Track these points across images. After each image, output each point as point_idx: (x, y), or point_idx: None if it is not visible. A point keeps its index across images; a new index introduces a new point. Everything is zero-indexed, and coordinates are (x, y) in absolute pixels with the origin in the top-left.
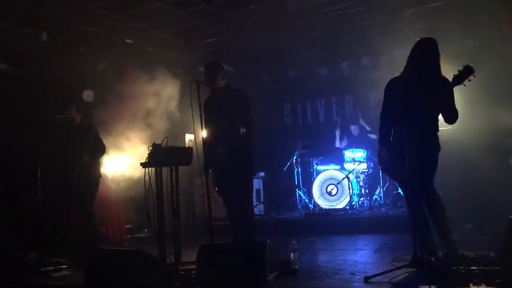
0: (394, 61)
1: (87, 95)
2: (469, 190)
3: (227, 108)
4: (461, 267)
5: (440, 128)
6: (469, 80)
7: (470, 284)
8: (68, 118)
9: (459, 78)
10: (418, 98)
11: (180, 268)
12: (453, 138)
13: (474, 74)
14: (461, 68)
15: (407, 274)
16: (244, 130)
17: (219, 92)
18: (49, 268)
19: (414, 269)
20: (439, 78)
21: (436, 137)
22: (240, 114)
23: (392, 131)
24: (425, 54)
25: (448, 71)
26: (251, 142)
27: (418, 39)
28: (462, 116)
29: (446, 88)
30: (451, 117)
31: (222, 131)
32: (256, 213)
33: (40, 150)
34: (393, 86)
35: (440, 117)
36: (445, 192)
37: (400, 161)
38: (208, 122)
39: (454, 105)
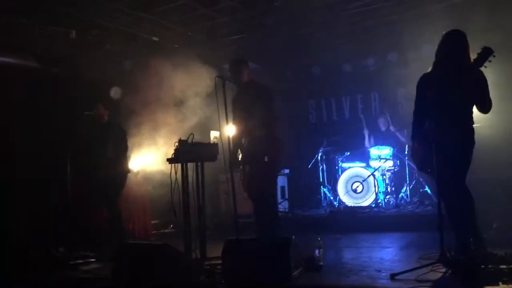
0: (422, 57)
1: (114, 92)
2: (500, 187)
3: (251, 103)
4: (490, 266)
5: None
6: (490, 61)
7: (499, 283)
8: (95, 116)
9: (479, 61)
10: (448, 92)
11: (206, 263)
12: (483, 134)
13: (494, 54)
14: (479, 51)
15: (434, 272)
16: (267, 125)
17: (244, 88)
18: (77, 261)
19: (441, 267)
20: (468, 70)
21: (469, 132)
22: (263, 108)
23: (426, 125)
24: (450, 47)
25: None
26: (276, 136)
27: (444, 32)
28: (493, 111)
29: (476, 76)
30: (483, 106)
31: (247, 128)
32: (280, 210)
33: (69, 147)
34: (424, 82)
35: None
36: (474, 189)
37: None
38: (235, 120)
39: (487, 93)
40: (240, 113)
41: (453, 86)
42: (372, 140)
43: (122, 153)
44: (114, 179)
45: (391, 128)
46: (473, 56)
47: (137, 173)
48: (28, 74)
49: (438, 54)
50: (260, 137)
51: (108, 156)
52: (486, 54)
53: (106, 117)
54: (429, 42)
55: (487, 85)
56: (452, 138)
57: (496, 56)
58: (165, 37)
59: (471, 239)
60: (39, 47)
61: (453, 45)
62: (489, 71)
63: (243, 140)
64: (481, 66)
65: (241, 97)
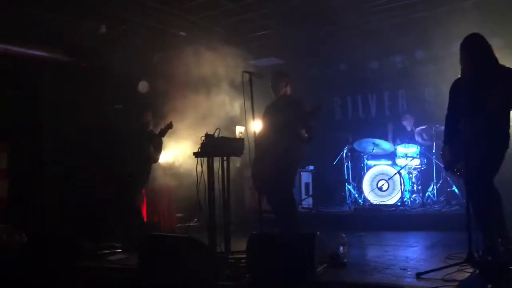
0: (451, 55)
1: (142, 86)
2: None
3: (282, 116)
4: None
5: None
6: None
7: None
8: (143, 122)
9: None
10: (477, 96)
11: (230, 257)
12: None
13: None
14: None
15: (461, 272)
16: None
17: (280, 100)
18: (104, 252)
19: (469, 268)
20: (496, 69)
21: (503, 135)
22: (289, 119)
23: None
24: (473, 52)
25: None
26: (297, 152)
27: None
28: None
29: (507, 79)
30: None
31: (272, 138)
32: (304, 206)
33: (98, 140)
34: (456, 88)
35: None
36: (503, 190)
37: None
38: (263, 126)
39: None
40: (269, 122)
41: (483, 90)
42: (398, 140)
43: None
44: (142, 171)
45: (424, 137)
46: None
47: (164, 166)
48: (58, 68)
49: (464, 61)
50: (282, 149)
51: (147, 156)
52: None
53: (151, 126)
54: (459, 39)
55: None
56: (485, 140)
57: None
58: (192, 32)
59: (499, 240)
60: (70, 41)
61: (475, 49)
62: None
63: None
64: None
65: (275, 107)
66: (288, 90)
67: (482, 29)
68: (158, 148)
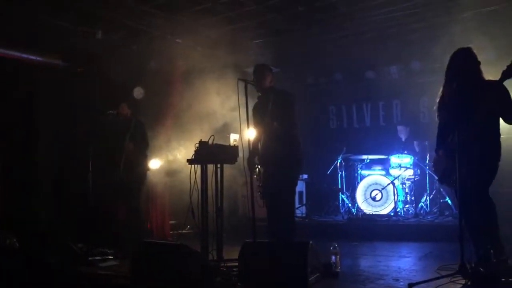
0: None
1: (137, 92)
2: None
3: (270, 108)
4: (510, 279)
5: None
6: None
7: None
8: (119, 115)
9: (509, 72)
10: (465, 108)
11: (222, 264)
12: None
13: None
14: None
15: (453, 283)
16: (286, 130)
17: (264, 94)
18: (96, 258)
19: (460, 279)
20: (481, 83)
21: (493, 145)
22: (283, 114)
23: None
24: (460, 65)
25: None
26: (296, 143)
27: (453, 53)
28: None
29: (494, 90)
30: (508, 117)
31: (265, 132)
32: (298, 215)
33: (92, 145)
34: (441, 102)
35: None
36: (497, 201)
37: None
38: (255, 125)
39: (510, 104)
40: (259, 118)
41: (473, 103)
42: (392, 149)
43: (141, 149)
44: (134, 176)
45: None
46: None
47: (157, 173)
48: (54, 73)
49: (450, 73)
50: (278, 141)
51: (126, 150)
52: None
53: (129, 117)
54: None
55: (509, 95)
56: (476, 151)
57: None
58: (189, 39)
59: (491, 251)
60: (66, 45)
61: (465, 62)
62: None
63: (259, 144)
64: (510, 77)
65: (261, 103)
66: (272, 84)
67: (477, 41)
68: (143, 141)
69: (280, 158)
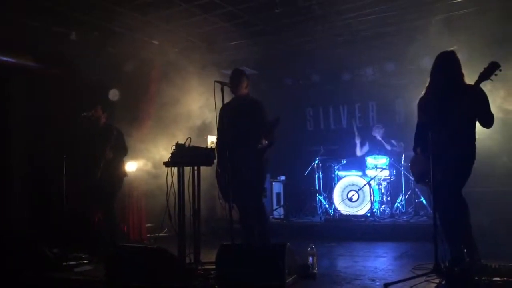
0: (420, 69)
1: (113, 94)
2: (498, 199)
3: (242, 115)
4: (483, 278)
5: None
6: (496, 75)
7: None
8: (93, 117)
9: (486, 74)
10: (445, 109)
11: (199, 267)
12: (481, 146)
13: (501, 68)
14: (486, 65)
15: (428, 282)
16: (257, 140)
17: (239, 100)
18: (71, 263)
19: (435, 278)
20: (463, 86)
21: (469, 147)
22: (254, 124)
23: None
24: (444, 67)
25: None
26: (262, 152)
27: (438, 54)
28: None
29: (473, 94)
30: (485, 121)
31: (234, 137)
32: (275, 216)
33: (66, 148)
34: (423, 104)
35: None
36: (470, 201)
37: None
38: (222, 126)
39: (487, 109)
40: (227, 124)
41: (452, 105)
42: (365, 147)
43: (120, 156)
44: (111, 181)
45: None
46: (469, 70)
47: (134, 176)
48: (27, 74)
49: (434, 74)
50: (246, 149)
51: (106, 158)
52: (493, 68)
53: (104, 119)
54: (428, 54)
55: (487, 100)
56: (452, 152)
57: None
58: (166, 41)
59: (465, 251)
60: (38, 47)
61: (448, 65)
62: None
63: (226, 147)
64: (486, 79)
65: (234, 107)
66: (247, 90)
67: (448, 43)
68: (122, 148)
69: (244, 166)
